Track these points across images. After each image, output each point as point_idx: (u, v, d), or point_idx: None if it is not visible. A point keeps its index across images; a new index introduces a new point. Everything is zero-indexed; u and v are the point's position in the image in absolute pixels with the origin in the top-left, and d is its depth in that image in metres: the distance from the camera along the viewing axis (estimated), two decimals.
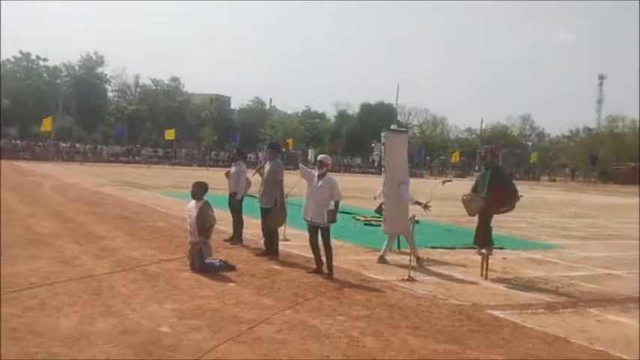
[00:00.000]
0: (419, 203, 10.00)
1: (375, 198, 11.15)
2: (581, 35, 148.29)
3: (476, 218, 9.49)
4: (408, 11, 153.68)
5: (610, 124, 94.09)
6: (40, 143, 59.41)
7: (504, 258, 11.06)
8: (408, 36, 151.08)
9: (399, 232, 10.18)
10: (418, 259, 9.94)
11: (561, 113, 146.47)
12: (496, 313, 7.09)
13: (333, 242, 9.01)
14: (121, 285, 7.35)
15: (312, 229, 8.70)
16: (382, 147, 10.59)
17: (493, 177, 9.28)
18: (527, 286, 8.88)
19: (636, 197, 38.51)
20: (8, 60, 72.88)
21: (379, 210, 10.97)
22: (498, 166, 9.68)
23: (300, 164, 9.47)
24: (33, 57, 74.90)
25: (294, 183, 11.03)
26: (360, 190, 30.90)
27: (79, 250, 9.55)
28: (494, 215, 9.54)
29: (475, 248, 9.65)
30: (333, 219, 8.54)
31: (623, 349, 5.94)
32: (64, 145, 61.97)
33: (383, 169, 10.60)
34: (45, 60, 75.25)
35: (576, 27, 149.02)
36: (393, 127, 12.63)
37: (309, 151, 70.06)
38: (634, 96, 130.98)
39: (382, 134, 10.72)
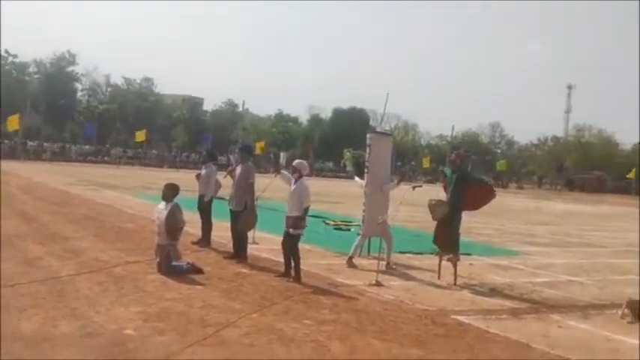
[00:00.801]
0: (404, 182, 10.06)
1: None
2: (551, 45, 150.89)
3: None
4: (381, 17, 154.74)
5: (577, 133, 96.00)
6: (6, 141, 58.29)
7: (471, 264, 11.21)
8: (382, 42, 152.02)
9: (379, 234, 10.19)
10: (387, 264, 10.03)
11: (530, 122, 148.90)
12: (461, 318, 7.19)
13: (302, 246, 9.01)
14: (86, 287, 7.26)
15: (286, 233, 8.71)
16: (367, 148, 10.70)
17: (459, 180, 9.44)
18: (493, 291, 9.02)
19: (601, 205, 39.36)
20: None
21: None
22: (465, 170, 9.83)
23: (283, 170, 9.44)
24: (2, 52, 73.51)
25: (265, 186, 11.03)
26: (331, 194, 31.05)
27: (44, 251, 9.41)
28: (462, 222, 9.69)
29: (436, 252, 9.75)
30: (293, 225, 8.54)
31: (582, 354, 6.08)
32: (31, 143, 60.96)
33: (366, 170, 10.69)
34: (15, 56, 73.87)
35: (546, 37, 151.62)
36: (379, 129, 12.72)
37: (282, 154, 69.93)
38: (601, 106, 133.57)
39: (368, 135, 10.88)
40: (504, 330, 6.77)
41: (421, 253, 12.01)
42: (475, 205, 9.73)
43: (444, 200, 9.54)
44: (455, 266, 9.44)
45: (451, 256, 9.46)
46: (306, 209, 8.61)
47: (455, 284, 9.25)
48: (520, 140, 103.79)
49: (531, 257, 13.06)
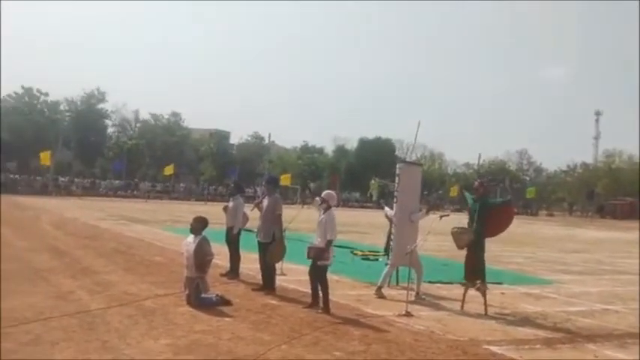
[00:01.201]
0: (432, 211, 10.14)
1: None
2: (578, 71, 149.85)
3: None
4: (403, 47, 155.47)
5: (607, 159, 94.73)
6: (38, 177, 59.54)
7: (502, 293, 11.03)
8: (407, 72, 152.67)
9: (409, 263, 10.10)
10: (417, 293, 9.93)
11: (558, 149, 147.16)
12: (493, 348, 7.05)
13: (331, 276, 8.97)
14: (116, 320, 7.32)
15: (313, 263, 8.70)
16: (397, 178, 10.71)
17: (482, 208, 9.38)
18: (525, 321, 8.84)
19: (633, 232, 38.50)
20: (9, 95, 73.55)
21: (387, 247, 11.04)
22: (486, 199, 9.77)
23: (317, 198, 9.44)
24: (34, 92, 75.56)
25: (293, 217, 11.08)
26: (358, 224, 30.95)
27: (75, 285, 9.53)
28: (491, 250, 9.59)
29: (463, 283, 9.65)
30: (314, 255, 8.53)
31: None
32: (62, 179, 62.12)
33: (395, 200, 10.67)
34: (46, 95, 75.95)
35: (572, 62, 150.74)
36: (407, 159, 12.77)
37: (310, 185, 70.22)
38: (630, 131, 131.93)
39: (397, 166, 10.89)
40: None
41: (450, 283, 11.87)
42: (498, 229, 9.63)
43: (467, 228, 9.48)
44: (484, 295, 9.31)
45: (479, 285, 9.33)
46: (330, 241, 8.58)
47: (486, 314, 9.11)
48: (548, 167, 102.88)
49: (564, 286, 12.80)
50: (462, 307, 9.39)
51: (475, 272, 9.37)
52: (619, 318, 9.53)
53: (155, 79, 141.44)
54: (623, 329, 8.67)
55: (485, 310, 9.20)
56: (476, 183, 10.02)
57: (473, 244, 9.31)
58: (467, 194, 10.24)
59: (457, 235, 9.45)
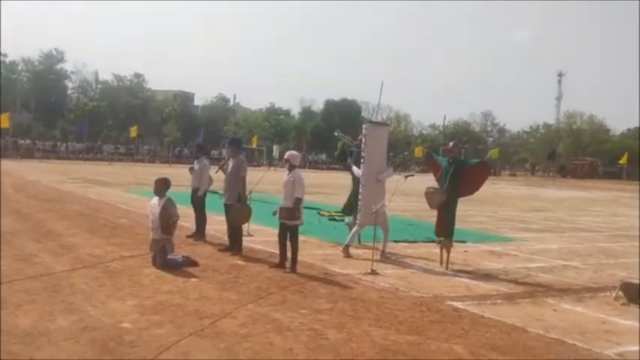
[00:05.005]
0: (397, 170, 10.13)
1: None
2: (540, 32, 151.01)
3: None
4: (371, 8, 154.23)
5: (568, 119, 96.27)
6: None
7: (465, 251, 11.26)
8: (372, 33, 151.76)
9: (376, 222, 10.15)
10: (382, 252, 10.05)
11: (521, 110, 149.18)
12: (456, 304, 7.22)
13: (298, 237, 9.00)
14: (81, 282, 7.26)
15: (282, 224, 8.71)
16: (362, 138, 10.69)
17: (457, 169, 9.51)
18: (487, 277, 9.06)
19: (593, 191, 39.55)
20: None
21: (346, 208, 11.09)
22: (460, 159, 9.89)
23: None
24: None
25: (258, 179, 11.05)
26: (324, 185, 31.09)
27: (39, 248, 9.40)
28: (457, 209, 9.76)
29: (437, 241, 9.82)
30: (287, 216, 8.55)
31: (577, 336, 6.12)
32: (23, 142, 60.63)
33: (362, 160, 10.67)
34: (5, 55, 73.42)
35: (535, 24, 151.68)
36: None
37: (274, 147, 69.91)
38: (592, 92, 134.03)
39: (364, 126, 10.87)
40: (499, 315, 6.81)
41: (415, 242, 12.08)
42: (472, 188, 9.79)
43: (439, 188, 9.61)
44: (448, 252, 9.53)
45: (444, 240, 9.52)
46: (299, 200, 8.60)
47: (447, 269, 9.33)
48: (512, 128, 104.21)
49: (525, 243, 13.12)
50: (441, 263, 9.58)
51: (443, 229, 9.56)
52: (577, 273, 9.83)
53: (116, 39, 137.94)
54: (581, 284, 8.96)
55: (447, 265, 9.42)
56: (450, 144, 10.13)
57: (444, 203, 9.46)
58: (439, 157, 10.31)
59: (430, 195, 9.61)
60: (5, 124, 49.61)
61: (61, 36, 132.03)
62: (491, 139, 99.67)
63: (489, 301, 7.53)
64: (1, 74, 64.50)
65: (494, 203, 24.74)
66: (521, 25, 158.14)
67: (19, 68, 76.08)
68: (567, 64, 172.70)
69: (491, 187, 39.54)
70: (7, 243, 9.64)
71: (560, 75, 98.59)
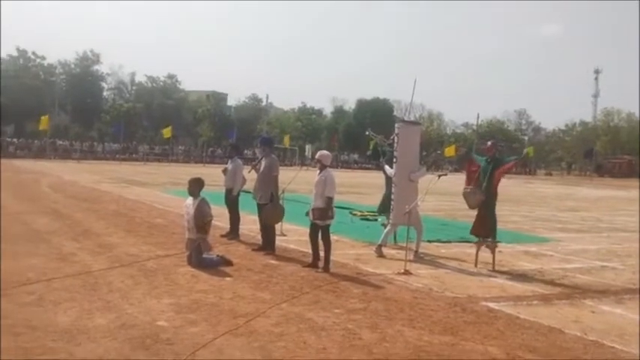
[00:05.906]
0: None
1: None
2: (577, 29, 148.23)
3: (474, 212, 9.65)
4: (403, 7, 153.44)
5: (606, 117, 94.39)
6: (36, 141, 59.35)
7: (500, 251, 11.08)
8: (404, 32, 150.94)
9: (409, 223, 10.09)
10: (416, 252, 9.99)
11: (557, 107, 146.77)
12: (491, 304, 7.14)
13: (330, 236, 9.01)
14: (118, 280, 7.39)
15: (313, 224, 8.73)
16: (395, 137, 10.66)
17: (495, 169, 9.45)
18: (523, 278, 8.94)
19: (631, 190, 38.66)
20: (4, 57, 72.64)
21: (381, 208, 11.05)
22: (497, 158, 9.78)
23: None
24: (30, 55, 74.64)
25: (291, 179, 11.09)
26: (356, 185, 31.04)
27: (77, 247, 9.58)
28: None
29: (477, 241, 9.71)
30: (319, 217, 8.55)
31: (616, 339, 6.00)
32: (60, 143, 61.95)
33: (394, 160, 10.63)
34: (43, 58, 75.10)
35: (570, 20, 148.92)
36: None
37: (307, 147, 70.07)
38: (630, 89, 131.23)
39: (396, 125, 10.83)
40: (536, 316, 6.71)
41: (449, 242, 11.97)
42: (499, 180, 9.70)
43: (477, 188, 9.52)
44: (493, 252, 9.46)
45: (489, 241, 9.44)
46: (330, 199, 8.59)
47: (493, 269, 9.28)
48: (547, 127, 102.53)
49: (562, 243, 12.90)
50: (476, 264, 9.52)
51: (486, 230, 9.48)
52: (616, 274, 9.63)
53: (151, 41, 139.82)
54: (621, 285, 8.77)
55: (494, 266, 9.39)
56: (489, 143, 10.04)
57: (484, 203, 9.39)
58: (477, 156, 10.21)
59: (468, 195, 9.53)
60: (44, 126, 50.93)
61: (95, 38, 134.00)
62: (526, 137, 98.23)
63: (525, 302, 7.42)
64: (0, 74, 65.50)
65: (529, 203, 24.38)
66: (556, 20, 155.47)
67: (57, 71, 77.60)
68: (604, 61, 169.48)
69: (526, 187, 39.05)
70: (46, 241, 9.88)
71: (597, 72, 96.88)
